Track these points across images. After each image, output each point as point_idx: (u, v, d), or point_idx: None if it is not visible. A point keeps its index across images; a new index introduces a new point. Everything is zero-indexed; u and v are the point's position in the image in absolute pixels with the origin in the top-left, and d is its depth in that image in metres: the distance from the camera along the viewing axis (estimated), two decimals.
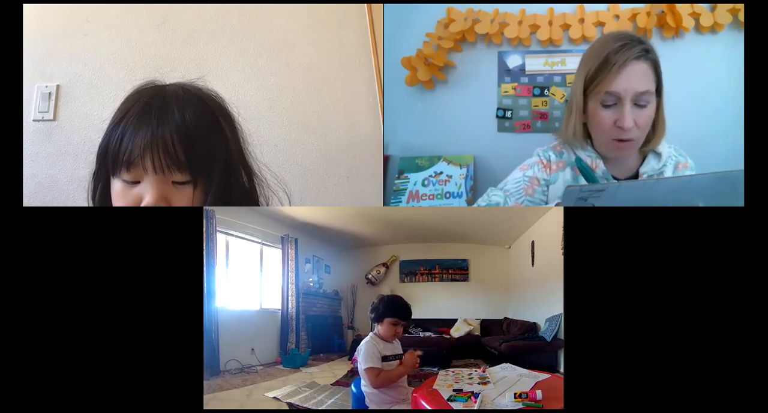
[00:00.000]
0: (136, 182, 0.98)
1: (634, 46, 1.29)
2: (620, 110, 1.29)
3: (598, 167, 1.37)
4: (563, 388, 1.11)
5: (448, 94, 1.96)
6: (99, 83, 1.72)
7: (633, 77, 1.28)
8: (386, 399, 1.41)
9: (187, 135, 0.96)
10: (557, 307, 2.78)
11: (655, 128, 1.36)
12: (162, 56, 1.75)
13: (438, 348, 3.33)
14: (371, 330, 1.51)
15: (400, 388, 1.43)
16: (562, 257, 1.30)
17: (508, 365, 1.64)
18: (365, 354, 1.42)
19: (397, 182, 1.85)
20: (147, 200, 0.97)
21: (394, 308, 1.48)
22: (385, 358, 1.43)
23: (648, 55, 1.30)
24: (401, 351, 1.48)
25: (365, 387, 1.43)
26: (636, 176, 1.41)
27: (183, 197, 0.98)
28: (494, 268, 4.19)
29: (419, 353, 1.40)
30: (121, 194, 0.99)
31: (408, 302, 1.53)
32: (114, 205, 1.03)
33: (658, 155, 1.41)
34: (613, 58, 1.28)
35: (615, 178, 1.38)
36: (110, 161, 0.98)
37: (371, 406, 1.42)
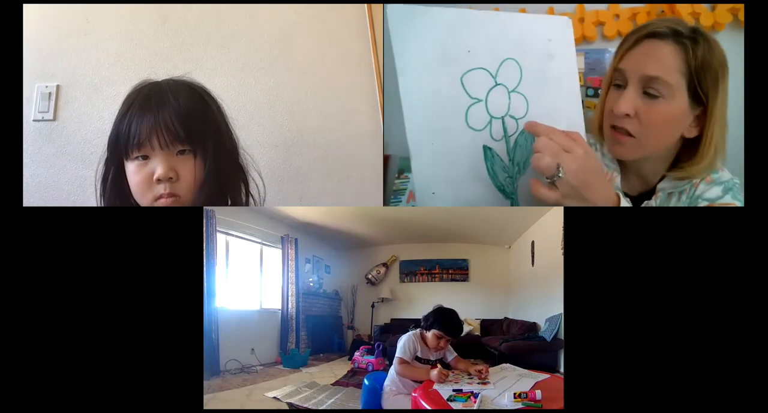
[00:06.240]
0: (147, 158, 1.14)
1: (663, 25, 1.11)
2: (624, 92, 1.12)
3: (613, 182, 1.17)
4: (563, 388, 1.11)
5: None
6: (99, 83, 1.72)
7: (645, 56, 1.10)
8: (400, 387, 1.47)
9: (182, 114, 1.15)
10: (557, 307, 2.78)
11: (697, 149, 1.15)
12: (162, 56, 1.74)
13: None
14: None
15: (413, 383, 1.47)
16: (562, 257, 1.29)
17: (508, 365, 1.63)
18: (402, 346, 1.50)
19: (397, 181, 1.84)
20: (159, 172, 1.13)
21: (443, 322, 1.51)
22: (418, 359, 1.49)
23: (678, 37, 1.10)
24: (439, 358, 1.51)
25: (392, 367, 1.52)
26: (652, 192, 1.22)
27: (187, 165, 1.15)
28: (494, 268, 4.18)
29: (449, 375, 1.38)
30: (136, 172, 1.15)
31: (461, 320, 1.57)
32: (130, 184, 1.16)
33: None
34: (637, 31, 1.14)
35: (626, 194, 1.15)
36: (122, 145, 1.15)
37: (387, 381, 1.50)
